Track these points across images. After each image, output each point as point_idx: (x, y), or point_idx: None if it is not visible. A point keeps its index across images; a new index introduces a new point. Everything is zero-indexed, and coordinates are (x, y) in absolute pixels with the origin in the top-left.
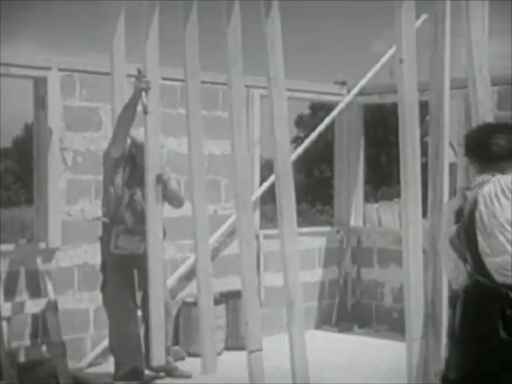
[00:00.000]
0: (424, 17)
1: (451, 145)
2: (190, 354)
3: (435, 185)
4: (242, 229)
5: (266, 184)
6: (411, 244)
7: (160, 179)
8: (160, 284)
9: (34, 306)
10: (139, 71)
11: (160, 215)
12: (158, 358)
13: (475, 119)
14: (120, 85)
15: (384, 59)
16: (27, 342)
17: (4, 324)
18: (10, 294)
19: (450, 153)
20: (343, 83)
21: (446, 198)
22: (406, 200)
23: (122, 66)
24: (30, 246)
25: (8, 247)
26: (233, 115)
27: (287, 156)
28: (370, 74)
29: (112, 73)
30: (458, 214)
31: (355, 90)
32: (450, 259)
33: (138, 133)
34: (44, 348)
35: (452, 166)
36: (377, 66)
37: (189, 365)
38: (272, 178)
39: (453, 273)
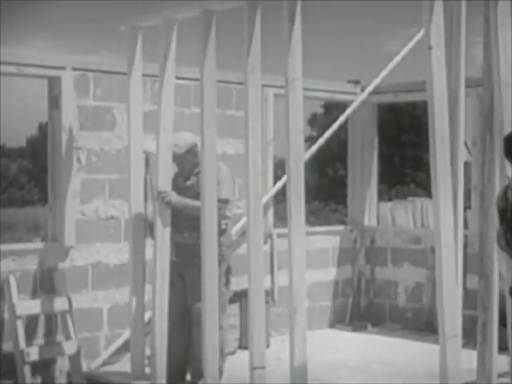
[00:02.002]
0: None
1: (465, 144)
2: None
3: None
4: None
5: (280, 183)
6: (443, 240)
7: (159, 197)
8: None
9: (48, 305)
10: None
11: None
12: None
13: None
14: (136, 84)
15: (398, 58)
16: (41, 340)
17: (19, 322)
18: (24, 292)
19: (464, 152)
20: (357, 82)
21: (460, 197)
22: (436, 195)
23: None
24: (45, 245)
25: (23, 246)
26: (248, 127)
27: (300, 160)
28: (383, 73)
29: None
30: (502, 214)
31: (369, 89)
32: (503, 260)
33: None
34: (58, 347)
35: (466, 165)
36: (391, 65)
37: None
38: (285, 178)
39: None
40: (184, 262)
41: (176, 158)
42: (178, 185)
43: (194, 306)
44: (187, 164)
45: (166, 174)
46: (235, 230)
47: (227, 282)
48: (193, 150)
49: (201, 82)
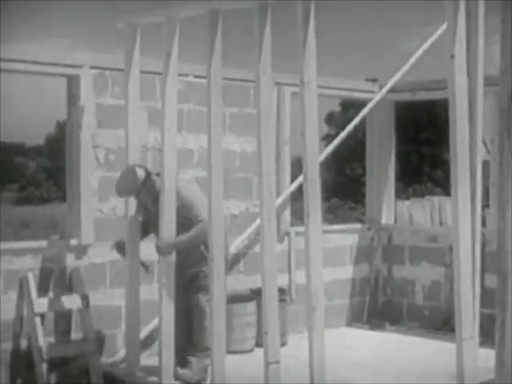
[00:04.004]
0: None
1: (484, 142)
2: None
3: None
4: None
5: (296, 182)
6: (461, 239)
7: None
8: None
9: (66, 303)
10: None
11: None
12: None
13: None
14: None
15: (415, 57)
16: (60, 338)
17: (37, 320)
18: (42, 290)
19: (483, 150)
20: (374, 80)
21: (479, 195)
22: (455, 194)
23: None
24: (63, 243)
25: (40, 244)
26: (260, 129)
27: (315, 160)
28: (401, 72)
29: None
30: None
31: (387, 87)
32: None
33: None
34: (76, 344)
35: (484, 164)
36: (408, 63)
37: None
38: (302, 177)
39: None
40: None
41: (136, 195)
42: (150, 211)
43: (193, 295)
44: (146, 194)
45: (170, 171)
46: (253, 227)
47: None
48: (147, 183)
49: (208, 82)
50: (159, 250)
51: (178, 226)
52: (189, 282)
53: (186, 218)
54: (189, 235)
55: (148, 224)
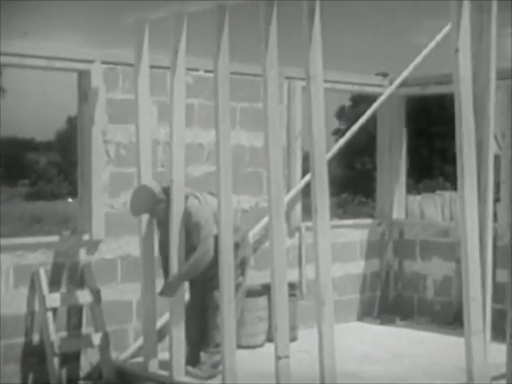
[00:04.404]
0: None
1: (495, 137)
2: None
3: (480, 178)
4: (275, 237)
5: (307, 177)
6: (469, 234)
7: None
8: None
9: (77, 297)
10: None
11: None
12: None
13: None
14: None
15: (426, 51)
16: (71, 332)
17: (49, 315)
18: (54, 285)
19: (494, 145)
20: (385, 75)
21: (490, 190)
22: (462, 188)
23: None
24: (74, 238)
25: (52, 239)
26: (267, 124)
27: (323, 154)
28: (412, 66)
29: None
30: None
31: (397, 82)
32: None
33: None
34: (88, 339)
35: (496, 158)
36: (419, 58)
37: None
38: None
39: None
40: None
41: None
42: (166, 228)
43: (209, 293)
44: (161, 211)
45: (179, 165)
46: (263, 222)
47: (242, 274)
48: (158, 198)
49: (215, 77)
50: (168, 288)
51: (189, 248)
52: (207, 280)
53: (196, 240)
54: (191, 262)
55: (164, 245)
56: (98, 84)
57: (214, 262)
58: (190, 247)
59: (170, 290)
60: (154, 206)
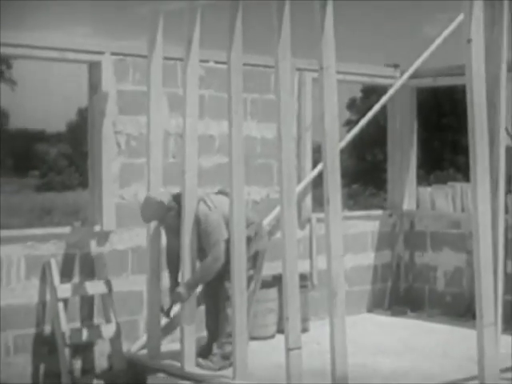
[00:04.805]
0: None
1: (506, 129)
2: None
3: (491, 170)
4: (287, 228)
5: (318, 168)
6: (481, 226)
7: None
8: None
9: (88, 288)
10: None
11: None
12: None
13: None
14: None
15: (437, 42)
16: (82, 323)
17: (60, 305)
18: (65, 275)
19: (506, 137)
20: (396, 66)
21: (502, 181)
22: (474, 180)
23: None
24: (85, 229)
25: (63, 230)
26: (280, 115)
27: (335, 146)
28: (423, 57)
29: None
30: None
31: (408, 73)
32: None
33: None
34: (98, 329)
35: (507, 150)
36: (430, 49)
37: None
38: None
39: None
40: None
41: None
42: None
43: (221, 283)
44: (172, 219)
45: (192, 156)
46: (274, 213)
47: (254, 266)
48: (168, 207)
49: (228, 69)
50: (179, 296)
51: (201, 253)
52: (223, 271)
53: (206, 247)
54: (201, 269)
55: (172, 251)
56: (108, 75)
57: (228, 257)
58: (201, 252)
59: (180, 297)
60: (164, 214)
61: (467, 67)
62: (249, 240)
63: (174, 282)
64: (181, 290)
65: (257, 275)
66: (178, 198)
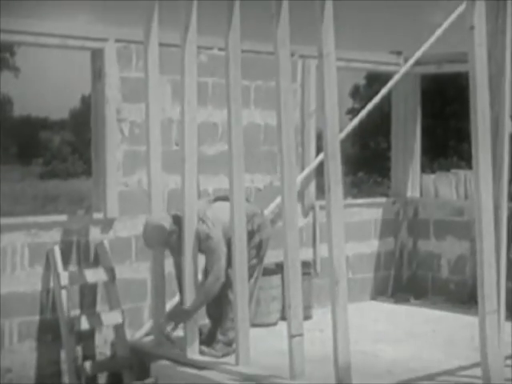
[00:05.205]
0: None
1: (510, 116)
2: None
3: (495, 157)
4: (288, 216)
5: (321, 156)
6: (484, 213)
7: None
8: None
9: (92, 276)
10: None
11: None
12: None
13: None
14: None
15: (441, 29)
16: (86, 310)
17: (64, 293)
18: (69, 263)
19: (509, 124)
20: (399, 53)
21: (505, 169)
22: (477, 167)
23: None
24: (89, 217)
25: (67, 218)
26: (280, 103)
27: (336, 133)
28: (427, 44)
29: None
30: None
31: (412, 60)
32: None
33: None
34: (102, 317)
35: (511, 138)
36: (434, 36)
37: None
38: None
39: None
40: None
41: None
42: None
43: (228, 270)
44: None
45: (190, 146)
46: (277, 201)
47: (257, 255)
48: (169, 231)
49: (226, 55)
50: (183, 318)
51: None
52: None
53: (207, 265)
54: (203, 291)
55: (179, 267)
56: (111, 62)
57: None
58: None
59: (182, 318)
60: (167, 239)
61: (470, 54)
62: (252, 232)
63: (184, 295)
64: (184, 312)
65: (260, 264)
66: (178, 220)
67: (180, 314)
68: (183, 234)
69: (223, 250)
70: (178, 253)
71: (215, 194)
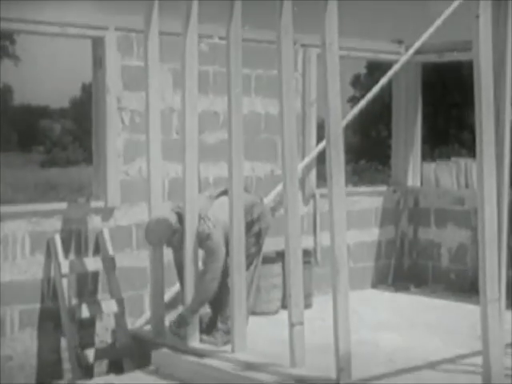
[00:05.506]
0: None
1: None
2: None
3: (496, 145)
4: (290, 204)
5: (322, 144)
6: (486, 202)
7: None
8: None
9: (93, 264)
10: None
11: None
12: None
13: None
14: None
15: (443, 17)
16: (86, 298)
17: (64, 281)
18: (69, 251)
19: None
20: (400, 42)
21: (507, 157)
22: (480, 155)
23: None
24: (89, 205)
25: (68, 206)
26: (282, 91)
27: (338, 122)
28: (428, 33)
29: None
30: None
31: (413, 49)
32: None
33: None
34: (103, 305)
35: None
36: (435, 25)
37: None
38: None
39: None
40: None
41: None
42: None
43: (227, 259)
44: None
45: (191, 135)
46: (278, 189)
47: (256, 243)
48: (174, 229)
49: (227, 43)
50: (184, 321)
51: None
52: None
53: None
54: (199, 294)
55: (180, 265)
56: (112, 51)
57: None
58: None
59: (185, 322)
60: (170, 237)
61: (474, 43)
62: (251, 222)
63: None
64: (184, 315)
65: (259, 252)
66: (182, 219)
67: (184, 321)
68: (185, 227)
69: (222, 250)
70: (179, 251)
71: (218, 189)
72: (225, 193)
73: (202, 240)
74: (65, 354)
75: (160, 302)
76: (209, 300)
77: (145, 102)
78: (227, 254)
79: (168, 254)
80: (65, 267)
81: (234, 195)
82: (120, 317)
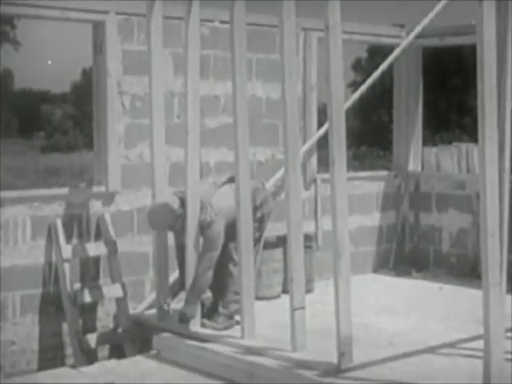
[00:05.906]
0: None
1: None
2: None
3: (498, 130)
4: (292, 189)
5: (323, 129)
6: (488, 186)
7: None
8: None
9: (94, 249)
10: None
11: None
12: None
13: None
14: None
15: (444, 1)
16: (88, 283)
17: (65, 266)
18: (70, 236)
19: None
20: (402, 25)
21: (508, 142)
22: (483, 140)
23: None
24: (90, 190)
25: (69, 191)
26: (284, 76)
27: (341, 106)
28: (429, 17)
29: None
30: None
31: (414, 33)
32: None
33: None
34: (104, 290)
35: None
36: (437, 8)
37: None
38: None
39: None
40: None
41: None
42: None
43: (227, 245)
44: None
45: (193, 119)
46: (279, 174)
47: (259, 229)
48: (176, 214)
49: (231, 27)
50: (185, 316)
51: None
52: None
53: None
54: (197, 283)
55: (181, 248)
56: (112, 35)
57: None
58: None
59: (186, 317)
60: (173, 222)
61: (478, 27)
62: (254, 208)
63: (183, 279)
64: (185, 309)
65: (261, 237)
66: (184, 202)
67: (185, 316)
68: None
69: (221, 241)
70: (181, 235)
71: (223, 176)
72: (231, 180)
73: (203, 228)
74: (66, 339)
75: (164, 287)
76: (205, 290)
77: (146, 86)
78: (230, 240)
79: (170, 238)
80: (66, 252)
81: (241, 182)
82: (122, 302)
